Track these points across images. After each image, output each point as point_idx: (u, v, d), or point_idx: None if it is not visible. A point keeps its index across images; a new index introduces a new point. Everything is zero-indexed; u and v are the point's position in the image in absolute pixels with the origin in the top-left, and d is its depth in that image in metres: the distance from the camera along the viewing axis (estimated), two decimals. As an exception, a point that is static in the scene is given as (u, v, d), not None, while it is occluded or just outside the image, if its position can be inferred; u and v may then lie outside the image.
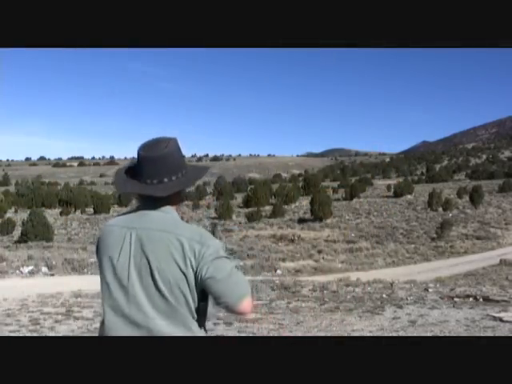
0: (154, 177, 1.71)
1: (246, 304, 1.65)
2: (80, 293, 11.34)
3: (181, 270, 1.64)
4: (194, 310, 1.70)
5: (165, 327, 1.70)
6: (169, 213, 1.75)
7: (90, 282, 13.51)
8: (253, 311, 1.68)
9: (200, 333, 1.77)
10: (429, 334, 6.97)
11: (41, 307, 9.49)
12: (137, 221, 1.74)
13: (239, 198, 46.38)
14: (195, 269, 1.64)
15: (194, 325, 1.73)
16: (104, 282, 1.75)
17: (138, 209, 1.78)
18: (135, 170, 1.76)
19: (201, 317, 1.75)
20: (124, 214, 1.84)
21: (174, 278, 1.65)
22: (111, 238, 1.75)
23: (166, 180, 1.72)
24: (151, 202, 1.73)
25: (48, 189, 63.45)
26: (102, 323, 1.80)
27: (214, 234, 1.86)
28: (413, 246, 24.28)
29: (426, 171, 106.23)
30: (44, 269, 16.40)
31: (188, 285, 1.66)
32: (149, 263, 1.67)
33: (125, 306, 1.70)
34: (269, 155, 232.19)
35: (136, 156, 1.76)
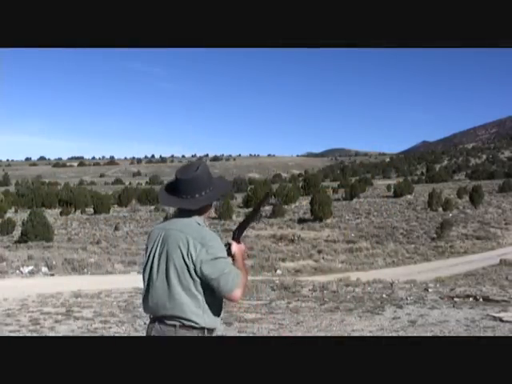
0: (188, 193, 2.30)
1: (235, 294, 2.21)
2: (80, 293, 11.33)
3: (184, 260, 2.20)
4: (196, 293, 2.21)
5: (167, 302, 2.23)
6: (193, 219, 2.31)
7: (89, 282, 13.52)
8: (242, 298, 2.25)
9: (200, 317, 2.20)
10: (429, 334, 6.97)
11: (41, 307, 9.49)
12: (169, 224, 2.36)
13: (239, 198, 46.32)
14: (194, 261, 2.19)
15: (195, 308, 2.21)
16: (144, 267, 2.37)
17: (175, 216, 2.38)
18: (174, 187, 2.34)
19: (208, 305, 2.23)
20: (168, 219, 2.46)
21: (180, 266, 2.21)
22: (153, 236, 2.36)
23: (197, 196, 2.30)
24: (186, 212, 2.32)
25: (48, 189, 63.33)
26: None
27: (263, 203, 2.72)
28: (413, 246, 24.24)
29: (426, 171, 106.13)
30: (44, 269, 16.40)
31: (189, 273, 2.19)
32: (167, 254, 2.26)
33: (149, 283, 2.32)
34: (269, 155, 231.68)
35: (174, 176, 2.33)
